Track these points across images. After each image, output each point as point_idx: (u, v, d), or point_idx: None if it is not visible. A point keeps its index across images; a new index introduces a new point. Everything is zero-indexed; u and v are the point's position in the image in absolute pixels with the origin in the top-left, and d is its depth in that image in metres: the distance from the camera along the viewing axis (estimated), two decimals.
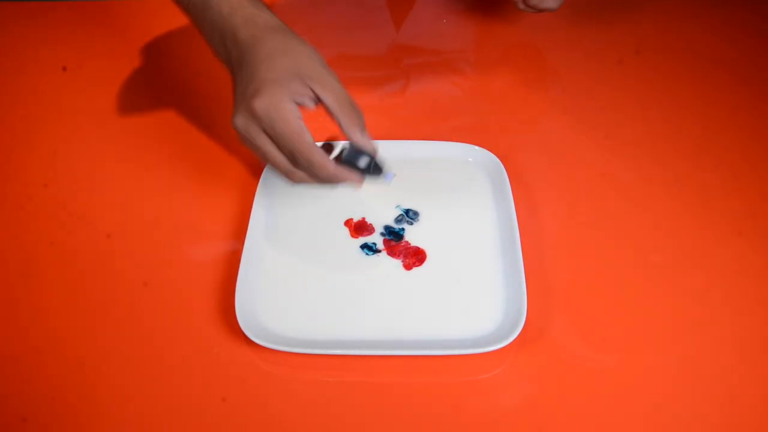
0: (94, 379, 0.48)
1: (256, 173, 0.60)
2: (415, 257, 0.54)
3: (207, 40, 0.51)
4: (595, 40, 0.76)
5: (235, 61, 0.49)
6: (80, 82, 0.72)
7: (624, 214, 0.58)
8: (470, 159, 0.61)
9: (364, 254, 0.54)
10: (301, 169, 0.47)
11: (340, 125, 0.47)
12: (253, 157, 0.62)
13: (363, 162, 0.48)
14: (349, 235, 0.56)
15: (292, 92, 0.45)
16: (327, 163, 0.47)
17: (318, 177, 0.48)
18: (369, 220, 0.57)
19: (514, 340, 0.47)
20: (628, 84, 0.70)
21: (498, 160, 0.60)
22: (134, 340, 0.50)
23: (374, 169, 0.49)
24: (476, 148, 0.61)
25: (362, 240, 0.56)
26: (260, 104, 0.45)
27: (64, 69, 0.73)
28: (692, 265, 0.54)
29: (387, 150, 0.62)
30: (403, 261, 0.54)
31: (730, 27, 0.77)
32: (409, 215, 0.57)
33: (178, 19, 0.74)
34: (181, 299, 0.52)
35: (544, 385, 0.48)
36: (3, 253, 0.56)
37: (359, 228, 0.57)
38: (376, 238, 0.56)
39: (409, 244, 0.55)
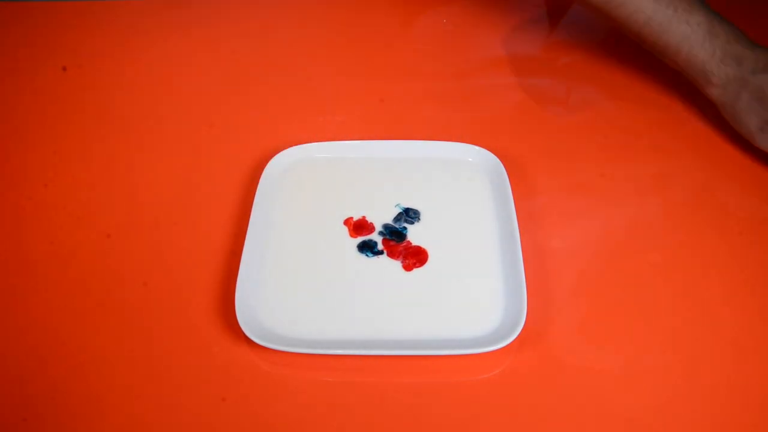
0: (94, 379, 0.48)
1: (257, 173, 0.60)
2: (415, 258, 0.54)
3: (700, 65, 0.60)
4: (595, 39, 0.76)
5: (752, 69, 0.58)
6: (80, 82, 0.72)
7: (624, 213, 0.58)
8: (470, 159, 0.61)
9: (364, 255, 0.54)
10: None
11: None
12: (255, 156, 0.62)
13: None
14: (349, 235, 0.56)
15: None
16: None
17: None
18: (369, 219, 0.57)
19: (514, 340, 0.47)
20: (628, 84, 0.70)
21: (498, 160, 0.60)
22: (134, 340, 0.50)
23: None
24: (476, 148, 0.61)
25: (362, 239, 0.56)
26: None
27: (64, 69, 0.73)
28: (692, 264, 0.54)
29: (386, 150, 0.62)
30: (402, 262, 0.54)
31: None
32: (410, 214, 0.57)
33: (178, 19, 0.74)
34: (181, 299, 0.52)
35: (545, 385, 0.48)
36: (3, 253, 0.56)
37: (358, 227, 0.57)
38: (376, 238, 0.56)
39: (411, 243, 0.55)
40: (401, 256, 0.54)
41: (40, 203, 0.60)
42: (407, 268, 0.54)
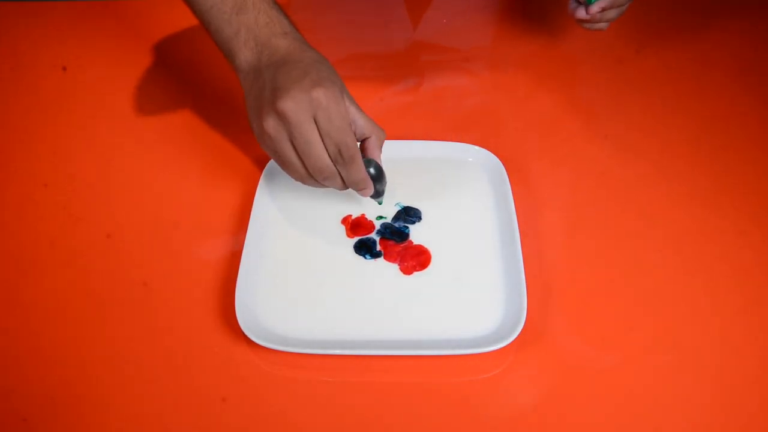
0: (94, 379, 0.48)
1: (257, 173, 0.60)
2: (416, 260, 0.54)
3: (226, 41, 0.52)
4: (595, 39, 0.76)
5: (267, 62, 0.50)
6: (80, 82, 0.72)
7: (624, 213, 0.58)
8: (470, 159, 0.61)
9: (362, 257, 0.54)
10: (340, 165, 0.48)
11: (368, 140, 0.51)
12: (254, 157, 0.62)
13: (374, 173, 0.52)
14: (346, 235, 0.56)
15: (344, 97, 0.48)
16: (363, 164, 0.50)
17: (350, 177, 0.49)
18: (368, 218, 0.57)
19: (514, 340, 0.47)
20: (628, 84, 0.70)
21: (498, 160, 0.60)
22: (134, 340, 0.50)
23: (380, 183, 0.54)
24: (476, 148, 0.61)
25: (359, 239, 0.55)
26: (324, 94, 0.46)
27: (64, 69, 0.73)
28: (693, 264, 0.54)
29: (386, 150, 0.62)
30: (400, 265, 0.54)
31: (730, 27, 0.77)
32: (410, 213, 0.57)
33: (178, 19, 0.74)
34: (181, 299, 0.52)
35: (544, 385, 0.48)
36: (3, 253, 0.56)
37: (355, 226, 0.56)
38: (376, 237, 0.56)
39: (412, 243, 0.55)
40: (398, 259, 0.54)
41: (40, 203, 0.60)
42: (406, 271, 0.53)
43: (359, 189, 0.51)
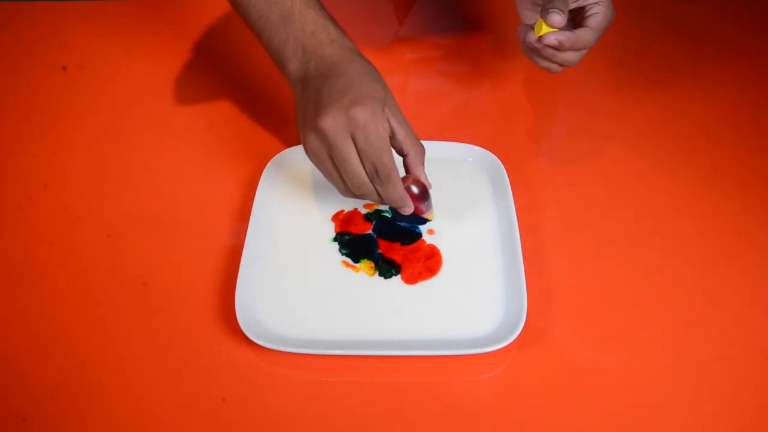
0: (94, 379, 0.48)
1: (257, 173, 0.60)
2: (423, 266, 0.53)
3: (276, 52, 0.53)
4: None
5: (314, 72, 0.51)
6: (80, 82, 0.72)
7: (624, 214, 0.58)
8: (470, 159, 0.61)
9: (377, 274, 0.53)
10: (377, 183, 0.49)
11: (407, 157, 0.51)
12: (254, 157, 0.62)
13: (416, 191, 0.52)
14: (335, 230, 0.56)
15: (385, 113, 0.48)
16: (401, 183, 0.50)
17: (387, 195, 0.50)
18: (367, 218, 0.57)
19: (514, 340, 0.47)
20: (628, 84, 0.70)
21: (498, 160, 0.60)
22: (134, 340, 0.50)
23: (423, 200, 0.53)
24: (476, 148, 0.61)
25: (354, 237, 0.55)
26: (362, 113, 0.47)
27: (64, 69, 0.73)
28: (692, 264, 0.54)
29: None
30: (402, 273, 0.53)
31: (730, 27, 0.77)
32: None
33: (178, 19, 0.74)
34: (181, 299, 0.52)
35: (544, 385, 0.48)
36: (3, 253, 0.56)
37: (346, 221, 0.56)
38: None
39: (425, 242, 0.55)
40: (404, 262, 0.53)
41: (40, 203, 0.60)
42: (409, 280, 0.53)
43: (398, 207, 0.51)
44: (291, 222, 0.57)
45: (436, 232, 0.56)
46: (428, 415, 0.46)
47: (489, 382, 0.48)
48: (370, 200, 0.51)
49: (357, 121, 0.47)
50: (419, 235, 0.56)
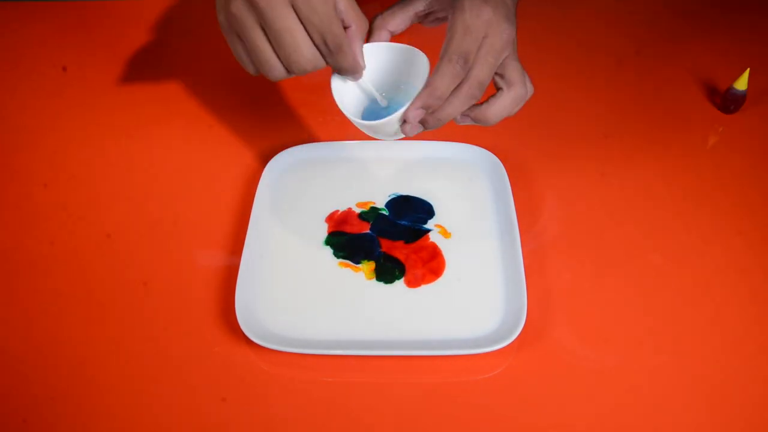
0: (94, 379, 0.48)
1: (257, 173, 0.60)
2: (427, 268, 0.53)
3: None
4: (595, 40, 0.76)
5: None
6: (80, 82, 0.72)
7: (624, 214, 0.58)
8: (470, 159, 0.61)
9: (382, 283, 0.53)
10: (326, 54, 0.44)
11: (348, 29, 0.45)
12: (255, 157, 0.62)
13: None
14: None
15: None
16: (351, 49, 0.45)
17: (339, 64, 0.45)
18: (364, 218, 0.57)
19: (514, 340, 0.47)
20: (628, 84, 0.70)
21: (498, 160, 0.60)
22: (134, 340, 0.50)
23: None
24: (476, 148, 0.61)
25: (353, 236, 0.55)
26: None
27: (64, 69, 0.73)
28: (692, 264, 0.54)
29: (386, 149, 0.62)
30: (405, 277, 0.52)
31: (730, 27, 0.77)
32: (418, 209, 0.56)
33: (178, 19, 0.74)
34: (181, 299, 0.52)
35: (544, 385, 0.48)
36: (3, 253, 0.56)
37: (340, 221, 0.56)
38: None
39: (428, 239, 0.54)
40: (407, 262, 0.53)
41: (40, 203, 0.60)
42: (411, 283, 0.52)
43: (351, 74, 0.47)
44: (291, 222, 0.57)
45: (435, 232, 0.56)
46: (428, 415, 0.46)
47: (489, 382, 0.48)
48: (297, 73, 0.45)
49: None
50: (425, 232, 0.55)
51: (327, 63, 0.45)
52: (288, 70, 0.45)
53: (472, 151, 0.61)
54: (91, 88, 0.71)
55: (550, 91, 0.70)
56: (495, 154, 0.60)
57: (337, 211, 0.57)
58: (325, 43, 0.44)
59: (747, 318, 0.51)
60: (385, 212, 0.57)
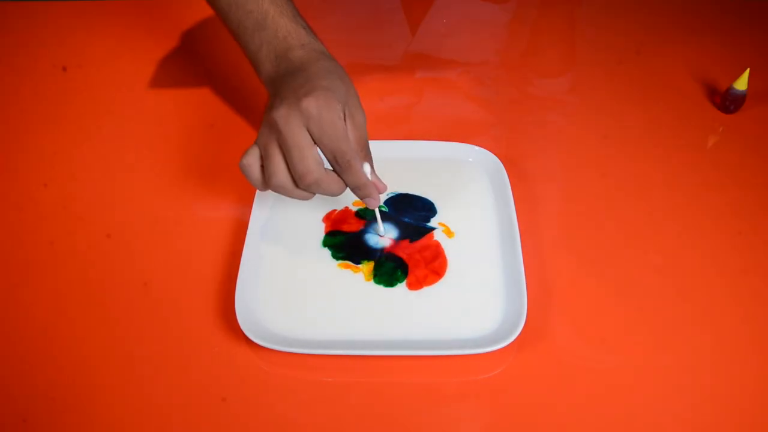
0: (94, 379, 0.48)
1: None
2: (429, 269, 0.53)
3: (253, 56, 0.54)
4: (595, 40, 0.76)
5: (283, 73, 0.51)
6: (80, 82, 0.72)
7: (624, 214, 0.58)
8: (470, 159, 0.61)
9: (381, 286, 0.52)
10: (339, 172, 0.48)
11: None
12: None
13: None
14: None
15: (341, 105, 0.47)
16: (362, 170, 0.48)
17: (350, 182, 0.49)
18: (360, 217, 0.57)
19: (514, 340, 0.47)
20: (628, 84, 0.70)
21: (498, 160, 0.60)
22: (134, 340, 0.50)
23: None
24: (476, 148, 0.61)
25: (351, 235, 0.55)
26: (315, 103, 0.46)
27: (64, 69, 0.73)
28: (692, 264, 0.54)
29: (386, 150, 0.62)
30: (407, 279, 0.52)
31: (730, 28, 0.77)
32: (419, 206, 0.55)
33: (178, 20, 0.74)
34: (181, 299, 0.52)
35: (544, 385, 0.48)
36: (3, 253, 0.56)
37: (338, 221, 0.56)
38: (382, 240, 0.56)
39: (432, 237, 0.54)
40: (412, 269, 0.53)
41: (40, 203, 0.60)
42: (413, 286, 0.52)
43: (362, 196, 0.50)
44: (291, 222, 0.57)
45: (435, 232, 0.56)
46: (428, 415, 0.46)
47: (489, 382, 0.48)
48: (318, 191, 0.49)
49: (310, 112, 0.46)
50: (429, 230, 0.55)
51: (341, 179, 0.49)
52: (294, 182, 0.48)
53: (472, 151, 0.61)
54: (91, 88, 0.71)
55: (551, 91, 0.71)
56: (495, 154, 0.60)
57: (335, 210, 0.57)
58: (336, 161, 0.47)
59: (747, 318, 0.51)
60: (385, 209, 0.57)
